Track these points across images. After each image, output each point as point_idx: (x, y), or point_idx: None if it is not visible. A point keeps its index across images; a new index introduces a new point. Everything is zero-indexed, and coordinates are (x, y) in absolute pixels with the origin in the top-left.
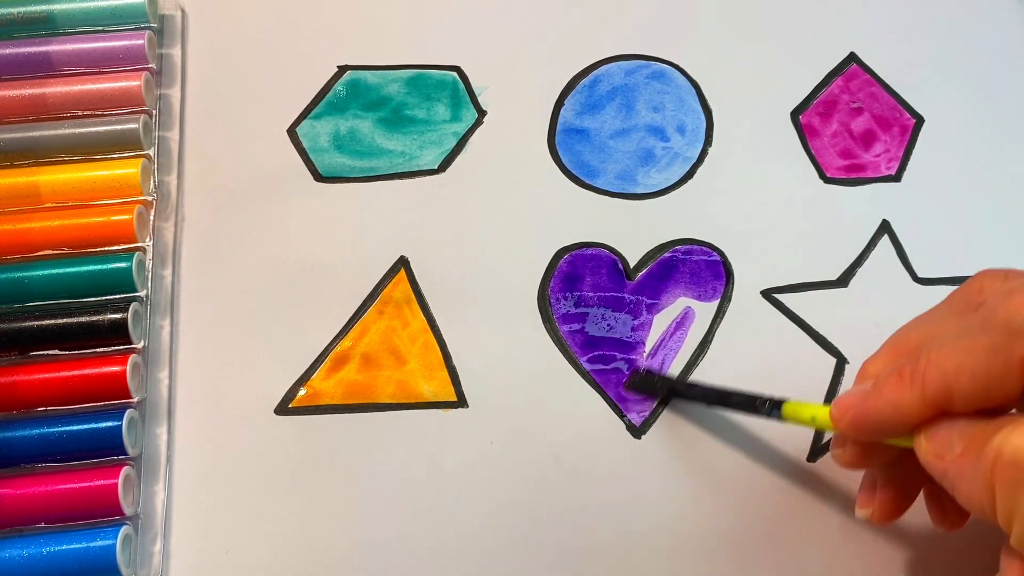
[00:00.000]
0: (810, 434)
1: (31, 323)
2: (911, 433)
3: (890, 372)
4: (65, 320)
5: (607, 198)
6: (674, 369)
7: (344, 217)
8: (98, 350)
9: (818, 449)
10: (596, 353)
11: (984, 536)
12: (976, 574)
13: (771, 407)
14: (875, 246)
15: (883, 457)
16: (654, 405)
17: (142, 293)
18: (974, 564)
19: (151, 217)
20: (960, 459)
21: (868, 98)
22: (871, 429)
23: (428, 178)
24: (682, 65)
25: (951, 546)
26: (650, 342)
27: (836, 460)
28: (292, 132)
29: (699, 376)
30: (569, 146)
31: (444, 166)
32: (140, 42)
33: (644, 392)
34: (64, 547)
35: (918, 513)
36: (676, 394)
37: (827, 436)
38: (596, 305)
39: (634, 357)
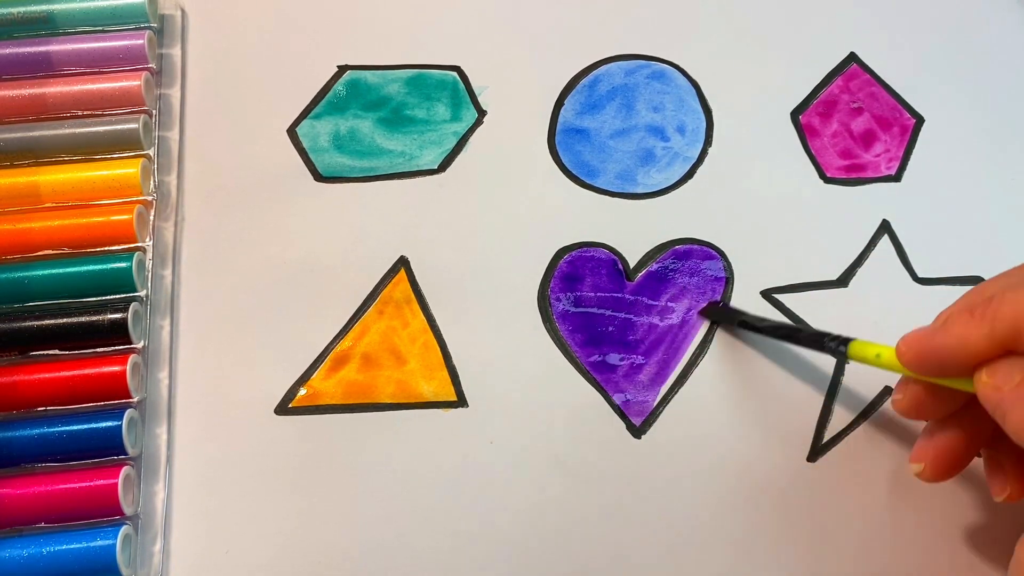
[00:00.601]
0: (810, 434)
1: (31, 323)
2: (972, 374)
3: (962, 309)
4: (65, 320)
5: (607, 198)
6: (673, 371)
7: (344, 217)
8: (98, 350)
9: (818, 449)
10: (596, 353)
11: (988, 543)
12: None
13: (838, 344)
14: (875, 246)
15: (942, 408)
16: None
17: (142, 293)
18: (973, 566)
19: (151, 217)
20: (1017, 389)
21: (868, 98)
22: (936, 364)
23: (428, 178)
24: (682, 65)
25: (956, 550)
26: (650, 342)
27: (895, 407)
28: (292, 132)
29: (700, 375)
30: (569, 146)
31: (444, 166)
32: (140, 42)
33: (717, 321)
34: (64, 547)
35: (919, 518)
36: (746, 326)
37: (827, 436)
38: (596, 305)
39: (634, 356)
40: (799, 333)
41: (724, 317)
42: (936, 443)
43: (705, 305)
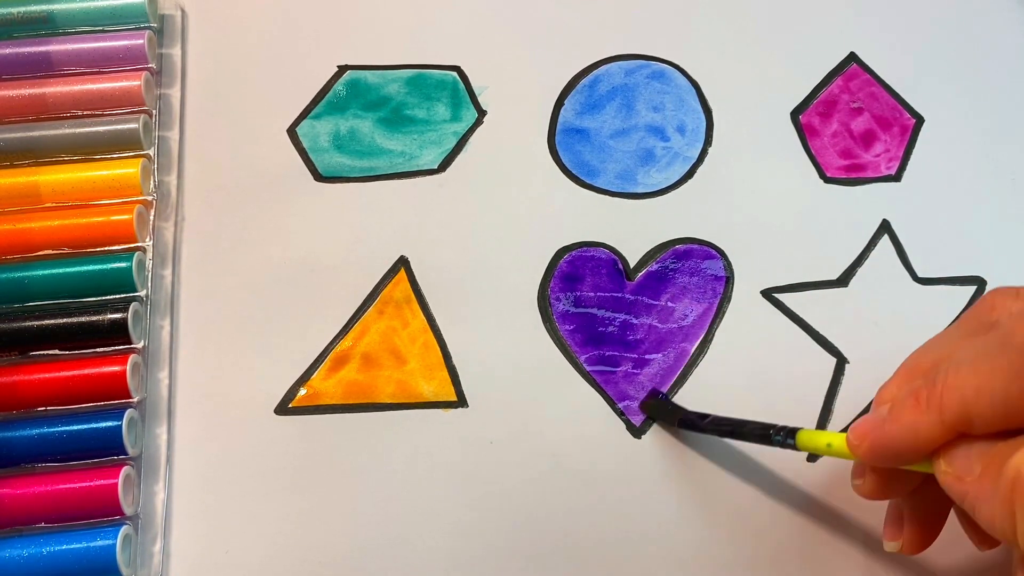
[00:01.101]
0: None
1: (31, 323)
2: (930, 458)
3: (906, 395)
4: (65, 320)
5: (607, 198)
6: (674, 371)
7: (344, 217)
8: (98, 350)
9: None
10: (596, 353)
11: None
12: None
13: (786, 436)
14: (875, 246)
15: (905, 486)
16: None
17: (142, 293)
18: (974, 566)
19: (151, 217)
20: (980, 480)
21: (868, 98)
22: (890, 456)
23: (428, 178)
24: (682, 65)
25: (957, 549)
26: (650, 342)
27: (857, 492)
28: (292, 132)
29: (700, 375)
30: (569, 146)
31: (444, 166)
32: (140, 42)
33: (656, 417)
34: (64, 547)
35: None
36: (687, 425)
37: None
38: (596, 305)
39: (634, 356)
40: (744, 428)
41: (663, 414)
42: (908, 518)
43: (645, 397)
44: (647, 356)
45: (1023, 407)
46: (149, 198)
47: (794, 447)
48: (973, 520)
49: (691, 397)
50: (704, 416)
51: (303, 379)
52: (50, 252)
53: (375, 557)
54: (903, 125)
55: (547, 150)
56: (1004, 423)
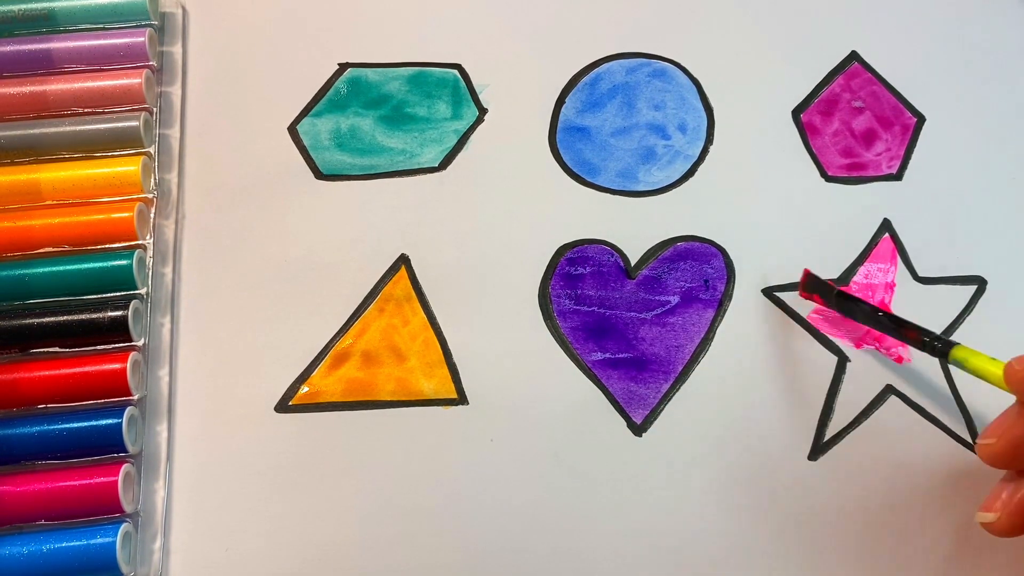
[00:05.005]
0: (811, 432)
1: (32, 320)
2: None
3: None
4: (66, 317)
5: (608, 196)
6: (674, 369)
7: (345, 215)
8: (98, 348)
9: (819, 447)
10: (597, 350)
11: (989, 542)
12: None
13: (943, 347)
14: (875, 245)
15: None
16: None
17: (142, 291)
18: (973, 565)
19: (152, 215)
20: None
21: (869, 97)
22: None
23: (429, 176)
24: (683, 63)
25: (956, 548)
26: (651, 340)
27: (981, 451)
28: (293, 130)
29: (701, 373)
30: (570, 144)
31: (445, 164)
32: (141, 39)
33: (818, 292)
34: (64, 544)
35: (919, 517)
36: (844, 298)
37: (828, 434)
38: (597, 303)
39: (635, 353)
40: (905, 327)
41: (822, 289)
42: (1020, 497)
43: (805, 276)
44: (648, 353)
45: None
46: (150, 196)
47: (947, 359)
48: None
49: (692, 395)
50: (859, 302)
51: (303, 377)
52: (51, 249)
53: (375, 555)
54: (904, 124)
55: (548, 148)
56: None
